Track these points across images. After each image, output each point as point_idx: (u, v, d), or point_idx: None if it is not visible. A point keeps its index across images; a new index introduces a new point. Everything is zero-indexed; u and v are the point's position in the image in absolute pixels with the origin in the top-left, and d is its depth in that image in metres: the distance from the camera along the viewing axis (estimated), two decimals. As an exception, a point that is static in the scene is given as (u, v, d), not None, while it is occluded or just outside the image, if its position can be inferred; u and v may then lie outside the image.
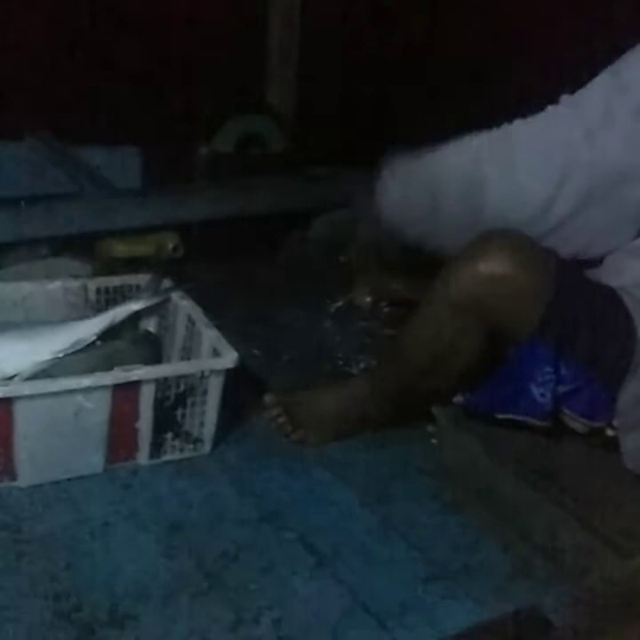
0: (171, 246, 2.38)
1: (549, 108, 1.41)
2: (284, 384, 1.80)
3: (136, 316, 1.71)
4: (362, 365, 1.95)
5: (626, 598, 1.25)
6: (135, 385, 1.44)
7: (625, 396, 1.35)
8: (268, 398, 1.66)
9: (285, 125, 2.58)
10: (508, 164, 1.43)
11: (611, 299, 1.38)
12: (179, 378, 1.49)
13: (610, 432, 1.41)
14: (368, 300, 2.28)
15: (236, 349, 1.60)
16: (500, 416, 1.48)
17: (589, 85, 1.37)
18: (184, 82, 2.54)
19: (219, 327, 1.66)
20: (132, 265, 2.25)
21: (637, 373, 1.33)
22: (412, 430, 1.66)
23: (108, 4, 2.41)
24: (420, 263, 2.30)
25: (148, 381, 1.44)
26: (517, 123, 1.43)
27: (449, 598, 1.28)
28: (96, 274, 2.14)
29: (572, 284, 1.39)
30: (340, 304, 2.28)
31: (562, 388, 1.41)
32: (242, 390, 1.65)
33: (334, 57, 2.71)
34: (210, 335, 1.58)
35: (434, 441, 1.63)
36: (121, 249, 2.34)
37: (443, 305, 1.44)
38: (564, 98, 1.40)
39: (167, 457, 1.52)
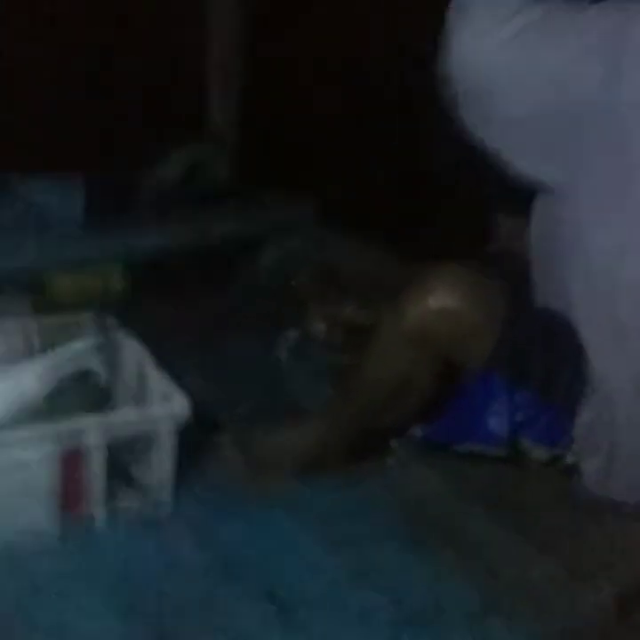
0: (118, 281, 2.33)
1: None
2: (240, 421, 1.76)
3: (80, 357, 1.64)
4: (319, 397, 1.91)
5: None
6: (82, 435, 1.38)
7: (581, 421, 1.36)
8: (223, 439, 1.62)
9: (230, 153, 2.54)
10: None
11: (562, 326, 1.38)
12: (128, 427, 1.44)
13: (570, 458, 1.41)
14: (322, 327, 2.25)
15: (189, 386, 1.56)
16: (459, 447, 1.48)
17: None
18: (125, 112, 2.49)
19: (169, 365, 1.62)
20: (79, 300, 2.20)
21: (591, 399, 1.34)
22: (372, 465, 1.63)
23: (49, 32, 2.36)
24: (371, 286, 2.32)
25: (95, 431, 1.38)
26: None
27: (420, 644, 1.25)
28: (40, 310, 2.09)
29: (522, 314, 1.41)
30: (294, 333, 2.25)
31: (518, 417, 1.43)
32: (196, 430, 1.60)
33: (276, 81, 2.68)
34: (159, 378, 1.53)
35: (395, 473, 1.60)
36: (66, 285, 2.28)
37: (395, 339, 1.45)
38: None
39: (122, 510, 1.46)
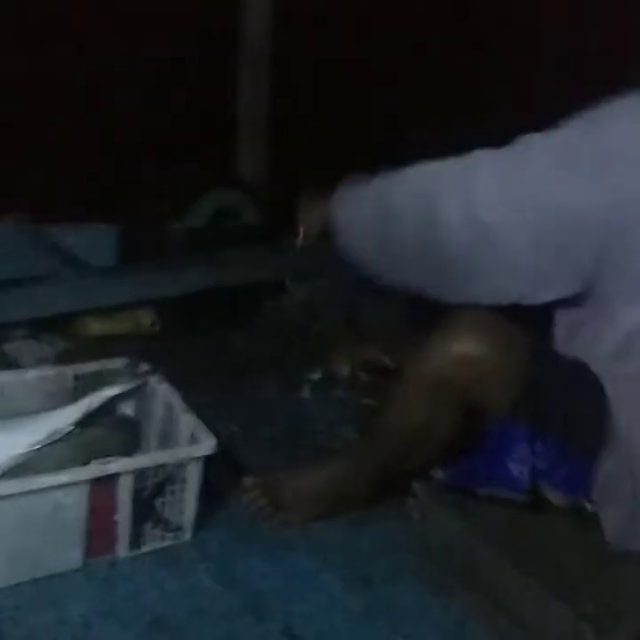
0: (147, 322, 2.40)
1: (517, 142, 1.32)
2: (263, 462, 1.80)
3: (113, 402, 1.70)
4: (343, 439, 1.95)
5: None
6: (113, 477, 1.43)
7: (601, 471, 1.36)
8: (246, 481, 1.65)
9: (258, 198, 2.61)
10: (467, 192, 1.31)
11: (583, 375, 1.38)
12: (157, 467, 1.48)
13: (589, 507, 1.42)
14: (346, 368, 2.29)
15: (215, 429, 1.60)
16: (479, 491, 1.50)
17: (562, 126, 1.29)
18: (157, 158, 2.57)
19: (197, 406, 1.66)
20: (109, 343, 2.27)
21: (612, 449, 1.34)
22: (393, 506, 1.65)
23: (75, 85, 2.46)
24: (395, 328, 2.35)
25: (125, 473, 1.43)
26: (479, 153, 1.34)
27: (436, 687, 1.27)
28: (72, 353, 2.16)
29: (545, 362, 1.40)
30: (318, 374, 2.29)
31: (539, 464, 1.43)
32: (221, 472, 1.65)
33: (305, 128, 2.76)
34: (187, 420, 1.58)
35: (415, 515, 1.62)
36: (97, 327, 2.35)
37: (416, 385, 1.45)
38: (533, 135, 1.32)
39: (147, 547, 1.51)
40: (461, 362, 1.38)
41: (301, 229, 1.62)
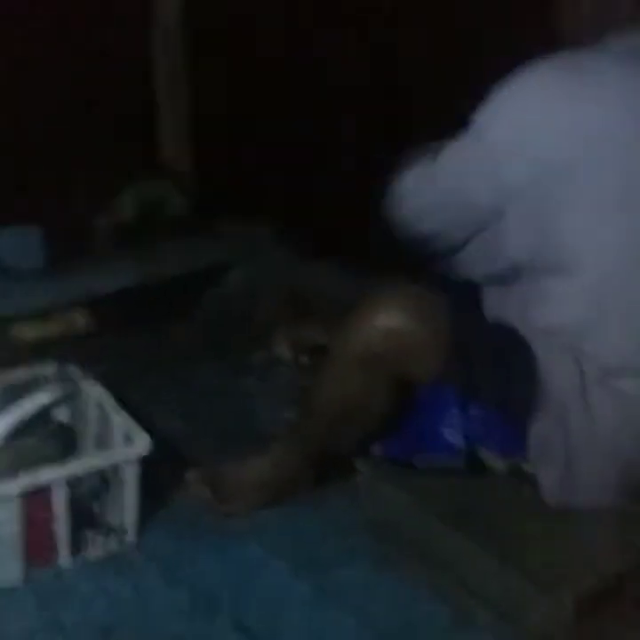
0: (81, 323, 2.34)
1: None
2: (208, 453, 1.77)
3: (46, 409, 1.66)
4: (287, 424, 1.92)
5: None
6: (46, 487, 1.39)
7: (534, 432, 1.37)
8: (189, 476, 1.62)
9: (184, 185, 2.56)
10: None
11: (512, 338, 1.39)
12: (91, 473, 1.45)
13: (526, 468, 1.42)
14: (288, 351, 2.27)
15: (156, 425, 1.57)
16: (418, 461, 1.49)
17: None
18: (77, 154, 2.50)
19: (138, 403, 1.63)
20: (44, 347, 2.21)
21: (544, 410, 1.35)
22: (337, 487, 1.64)
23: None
24: (333, 306, 2.33)
25: (58, 482, 1.40)
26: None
27: (392, 664, 1.27)
28: (5, 361, 2.10)
29: (469, 329, 1.40)
30: (260, 359, 2.27)
31: (473, 429, 1.43)
32: (164, 468, 1.61)
33: (224, 108, 2.70)
34: (120, 421, 1.55)
35: (360, 493, 1.61)
36: (30, 332, 2.29)
37: (345, 361, 1.45)
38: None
39: (90, 554, 1.48)
40: (388, 334, 1.38)
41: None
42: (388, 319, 1.38)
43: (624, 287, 1.34)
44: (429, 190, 1.45)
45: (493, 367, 1.38)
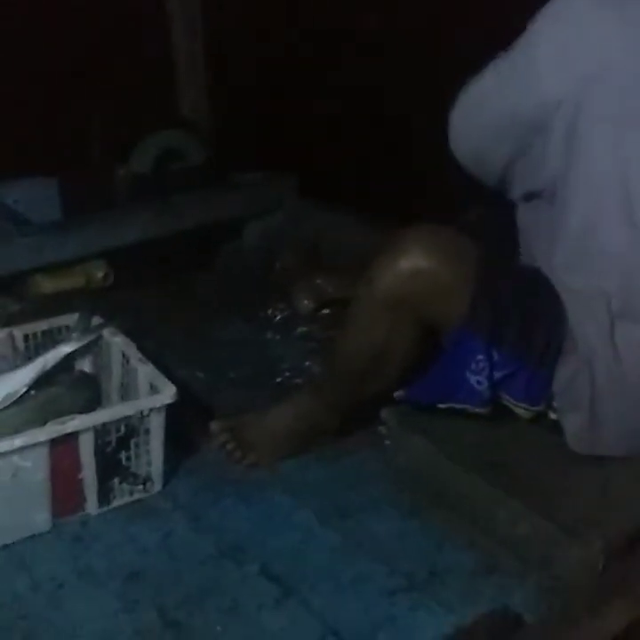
0: (100, 275, 2.34)
1: None
2: (231, 405, 1.77)
3: (69, 359, 1.66)
4: (310, 375, 1.92)
5: (593, 585, 1.26)
6: (73, 436, 1.39)
7: (559, 378, 1.35)
8: (214, 426, 1.62)
9: (203, 136, 2.53)
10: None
11: (538, 282, 1.37)
12: (117, 421, 1.45)
13: (552, 415, 1.41)
14: (308, 304, 2.25)
15: (179, 376, 1.57)
16: (441, 406, 1.46)
17: None
18: (94, 105, 2.47)
19: (159, 354, 1.62)
20: (63, 300, 2.21)
21: (569, 355, 1.33)
22: (364, 435, 1.64)
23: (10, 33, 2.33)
24: (354, 258, 2.31)
25: (85, 430, 1.40)
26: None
27: (418, 609, 1.27)
28: (26, 314, 2.09)
29: (495, 271, 1.38)
30: (280, 312, 2.26)
31: (497, 374, 1.39)
32: (188, 418, 1.62)
33: (245, 59, 2.65)
34: (145, 371, 1.54)
35: (387, 442, 1.61)
36: (49, 285, 2.29)
37: (370, 306, 1.43)
38: None
39: (117, 502, 1.48)
40: (412, 277, 1.36)
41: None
42: (414, 260, 1.35)
43: None
44: (479, 107, 1.38)
45: (517, 312, 1.36)
